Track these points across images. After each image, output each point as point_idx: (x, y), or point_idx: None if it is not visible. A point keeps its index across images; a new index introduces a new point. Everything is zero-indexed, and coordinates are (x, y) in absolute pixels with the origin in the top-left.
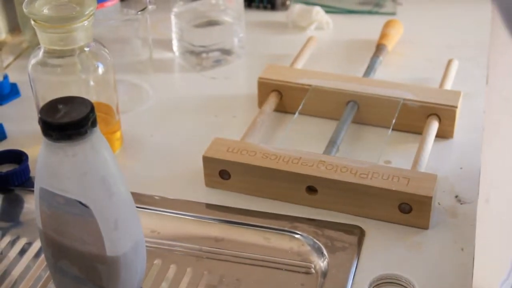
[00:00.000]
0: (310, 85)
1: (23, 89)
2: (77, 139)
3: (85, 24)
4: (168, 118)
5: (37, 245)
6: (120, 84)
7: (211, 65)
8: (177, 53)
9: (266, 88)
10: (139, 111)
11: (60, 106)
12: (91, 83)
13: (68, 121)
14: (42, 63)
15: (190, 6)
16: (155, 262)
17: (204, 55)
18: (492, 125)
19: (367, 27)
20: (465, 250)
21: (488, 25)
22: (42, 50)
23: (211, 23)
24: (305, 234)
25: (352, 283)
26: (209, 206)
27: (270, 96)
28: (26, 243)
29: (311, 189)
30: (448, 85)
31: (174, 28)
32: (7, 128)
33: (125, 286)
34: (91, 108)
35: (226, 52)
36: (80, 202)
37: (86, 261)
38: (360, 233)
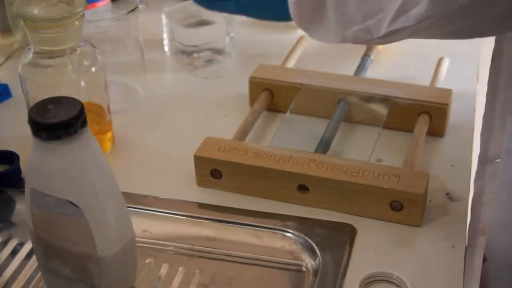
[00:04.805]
0: (301, 84)
1: (15, 90)
2: (67, 139)
3: (76, 25)
4: (159, 118)
5: (29, 245)
6: (111, 85)
7: (203, 64)
8: (168, 53)
9: (257, 87)
10: (130, 111)
11: (50, 107)
12: (82, 83)
13: (57, 121)
14: (33, 64)
15: (181, 6)
16: (147, 261)
17: (195, 54)
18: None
19: None
20: (456, 247)
21: None
22: (32, 51)
23: (202, 22)
24: (296, 233)
25: (343, 281)
26: (201, 205)
27: (261, 95)
28: (18, 244)
29: (303, 188)
30: (439, 83)
31: (165, 28)
32: None
33: (116, 286)
34: (81, 108)
35: (218, 51)
36: (71, 202)
37: (78, 261)
38: (351, 231)
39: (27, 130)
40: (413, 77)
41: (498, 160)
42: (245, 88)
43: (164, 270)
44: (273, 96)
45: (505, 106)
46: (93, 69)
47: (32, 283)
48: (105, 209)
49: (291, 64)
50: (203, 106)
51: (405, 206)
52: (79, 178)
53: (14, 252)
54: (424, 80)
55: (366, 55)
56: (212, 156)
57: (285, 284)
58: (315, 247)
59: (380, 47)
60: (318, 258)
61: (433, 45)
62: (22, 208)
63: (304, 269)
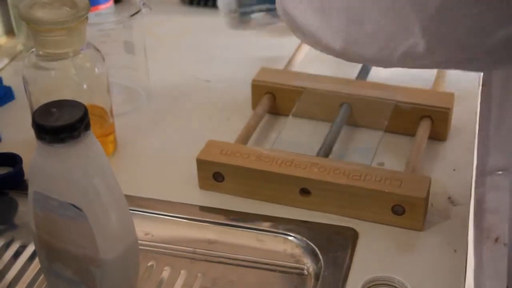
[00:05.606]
0: (303, 88)
1: (18, 92)
2: (70, 142)
3: (79, 28)
4: (162, 120)
5: (31, 248)
6: (114, 87)
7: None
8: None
9: (260, 91)
10: (133, 113)
11: (54, 110)
12: (85, 86)
13: (61, 125)
14: (36, 66)
15: None
16: (149, 264)
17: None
18: None
19: None
20: (458, 252)
21: None
22: (36, 53)
23: None
24: (298, 236)
25: (345, 285)
26: (203, 208)
27: (263, 99)
28: (21, 246)
29: (304, 191)
30: (441, 87)
31: None
32: (2, 131)
33: None
34: (84, 111)
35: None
36: (74, 205)
37: (80, 264)
38: (353, 235)
39: (30, 132)
40: (415, 80)
41: (500, 172)
42: (247, 91)
43: (166, 273)
44: (275, 99)
45: (499, 124)
46: (96, 71)
47: (35, 286)
48: (107, 212)
49: (293, 67)
50: (206, 109)
51: (407, 210)
52: (82, 181)
53: (16, 254)
54: (426, 84)
55: None
56: (214, 159)
57: (287, 287)
58: (317, 251)
59: None
60: (320, 261)
61: None
62: (24, 210)
63: (306, 273)
